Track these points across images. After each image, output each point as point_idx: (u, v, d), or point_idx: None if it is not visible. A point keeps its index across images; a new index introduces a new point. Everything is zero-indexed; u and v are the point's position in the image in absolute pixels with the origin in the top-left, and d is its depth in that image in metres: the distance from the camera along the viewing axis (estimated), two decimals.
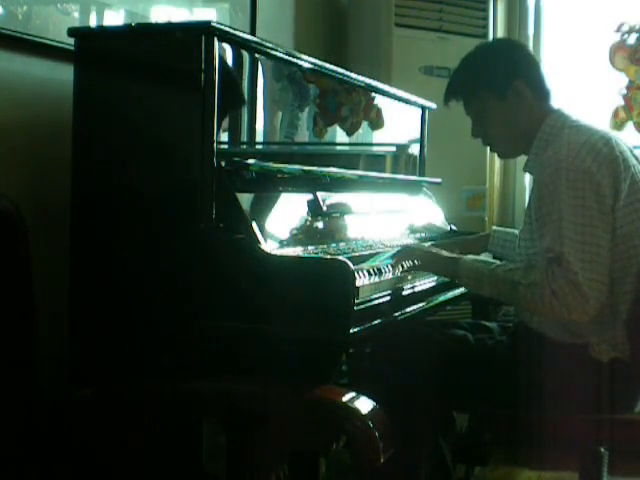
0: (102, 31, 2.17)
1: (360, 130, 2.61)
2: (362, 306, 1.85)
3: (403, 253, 2.17)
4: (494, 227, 2.66)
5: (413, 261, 2.17)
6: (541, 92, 2.16)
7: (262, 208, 1.98)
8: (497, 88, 2.15)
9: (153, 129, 1.90)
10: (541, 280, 1.90)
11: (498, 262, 2.11)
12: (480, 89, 2.17)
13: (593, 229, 1.92)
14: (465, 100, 2.20)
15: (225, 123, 1.95)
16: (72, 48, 1.97)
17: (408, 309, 2.11)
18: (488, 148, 2.31)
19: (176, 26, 2.06)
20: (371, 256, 2.19)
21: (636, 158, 2.10)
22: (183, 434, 1.86)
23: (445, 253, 2.21)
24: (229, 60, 1.95)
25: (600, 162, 1.95)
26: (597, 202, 1.93)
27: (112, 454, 1.74)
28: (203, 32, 1.82)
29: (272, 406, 1.52)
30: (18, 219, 1.49)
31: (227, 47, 1.91)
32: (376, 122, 2.72)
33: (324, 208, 2.18)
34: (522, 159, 2.24)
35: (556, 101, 2.20)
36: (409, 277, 2.19)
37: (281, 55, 2.12)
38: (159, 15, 2.53)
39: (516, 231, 2.50)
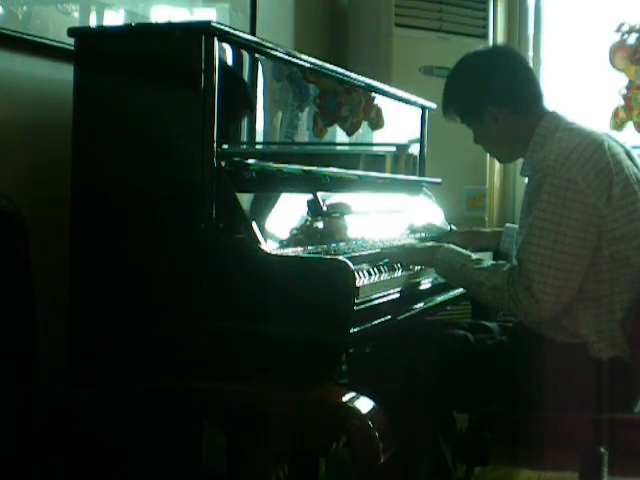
0: (102, 31, 2.16)
1: (360, 130, 2.61)
2: (362, 306, 1.85)
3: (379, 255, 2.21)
4: (508, 224, 2.66)
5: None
6: (524, 106, 2.16)
7: (262, 208, 1.98)
8: (474, 113, 2.20)
9: (153, 129, 1.90)
10: (502, 285, 1.99)
11: (473, 256, 2.13)
12: (462, 113, 2.24)
13: (563, 237, 1.95)
14: (459, 118, 2.26)
15: (229, 123, 1.95)
16: (72, 48, 1.97)
17: (408, 309, 2.11)
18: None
19: (176, 26, 2.05)
20: (371, 256, 2.19)
21: (632, 159, 2.10)
22: (183, 434, 1.86)
23: (419, 245, 2.28)
24: (229, 60, 1.95)
25: (587, 170, 1.97)
26: (578, 211, 1.96)
27: (112, 454, 1.74)
28: (203, 32, 1.82)
29: (272, 406, 1.52)
30: (18, 219, 1.49)
31: (227, 47, 1.91)
32: (376, 122, 2.71)
33: (324, 208, 2.18)
34: (522, 159, 2.24)
35: (551, 103, 2.20)
36: (409, 277, 2.19)
37: (281, 55, 2.12)
38: (159, 15, 2.53)
39: None
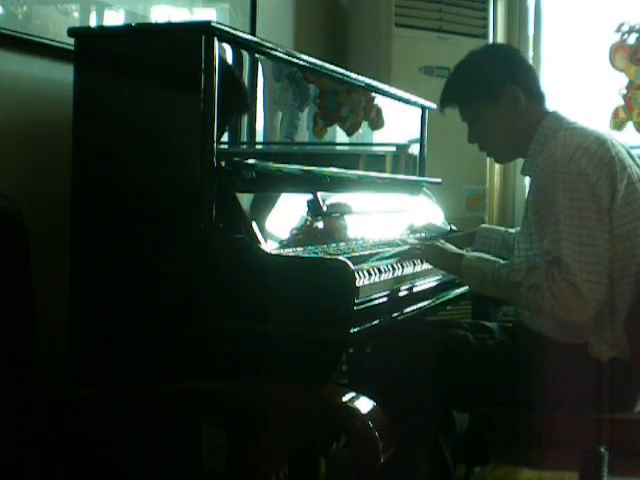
0: (102, 31, 2.17)
1: (360, 130, 2.61)
2: (362, 306, 1.85)
3: (410, 252, 2.19)
4: (482, 225, 2.67)
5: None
6: (535, 96, 2.17)
7: (262, 208, 1.98)
8: (491, 93, 2.16)
9: (153, 129, 1.90)
10: (542, 282, 1.93)
11: (501, 261, 2.11)
12: (474, 94, 2.19)
13: (590, 230, 1.93)
14: (460, 106, 2.22)
15: (228, 124, 1.95)
16: (72, 48, 1.97)
17: (408, 309, 2.11)
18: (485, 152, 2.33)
19: (176, 26, 2.06)
20: (371, 256, 2.19)
21: (633, 158, 2.11)
22: (183, 434, 1.86)
23: (451, 248, 2.23)
24: (229, 60, 1.95)
25: (595, 163, 1.97)
26: (594, 203, 1.95)
27: (112, 454, 1.74)
28: (203, 32, 1.82)
29: (272, 406, 1.52)
30: (18, 219, 1.49)
31: (227, 47, 1.91)
32: (376, 122, 2.72)
33: (324, 208, 2.18)
34: (522, 159, 2.24)
35: (552, 103, 2.21)
36: (409, 277, 2.19)
37: (281, 55, 2.12)
38: (159, 15, 2.53)
39: (502, 229, 2.53)
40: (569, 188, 1.95)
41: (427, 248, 2.21)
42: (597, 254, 1.93)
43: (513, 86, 2.14)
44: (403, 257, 2.16)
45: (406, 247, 2.30)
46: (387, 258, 2.17)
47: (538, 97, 2.18)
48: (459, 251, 2.20)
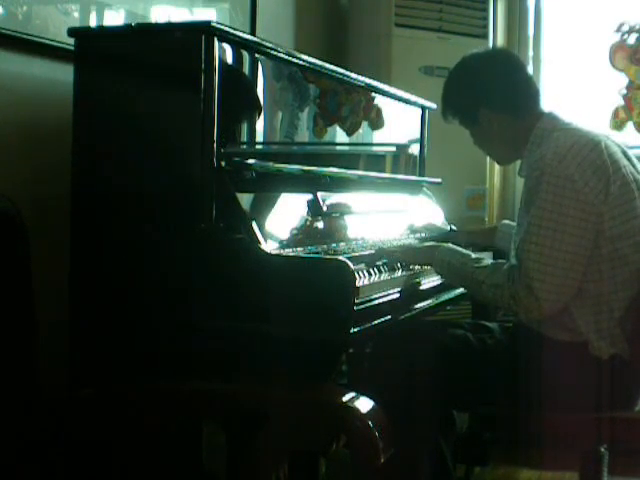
0: (102, 31, 2.17)
1: (360, 130, 2.61)
2: (362, 306, 1.85)
3: (379, 254, 2.21)
4: (504, 221, 2.67)
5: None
6: (518, 108, 2.17)
7: (262, 208, 1.98)
8: (468, 119, 2.23)
9: (153, 129, 1.90)
10: (502, 283, 2.00)
11: (472, 255, 2.14)
12: (460, 117, 2.26)
13: (562, 234, 1.96)
14: (457, 120, 2.28)
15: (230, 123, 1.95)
16: (72, 48, 1.97)
17: (408, 309, 2.11)
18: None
19: (176, 26, 2.06)
20: (371, 256, 2.19)
21: (629, 158, 2.11)
22: (183, 434, 1.86)
23: (419, 245, 2.31)
24: (229, 60, 1.95)
25: (584, 168, 1.98)
26: (575, 209, 1.96)
27: (112, 454, 1.74)
28: (203, 32, 1.82)
29: (272, 406, 1.52)
30: (18, 219, 1.49)
31: (227, 47, 1.91)
32: (376, 122, 2.72)
33: (324, 208, 2.18)
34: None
35: (550, 104, 2.21)
36: (409, 277, 2.19)
37: (281, 55, 2.12)
38: (159, 15, 2.53)
39: None
40: (552, 191, 1.97)
41: (397, 252, 2.24)
42: (559, 257, 1.95)
43: (484, 109, 2.18)
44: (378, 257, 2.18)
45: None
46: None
47: (526, 107, 2.18)
48: (432, 244, 2.25)
